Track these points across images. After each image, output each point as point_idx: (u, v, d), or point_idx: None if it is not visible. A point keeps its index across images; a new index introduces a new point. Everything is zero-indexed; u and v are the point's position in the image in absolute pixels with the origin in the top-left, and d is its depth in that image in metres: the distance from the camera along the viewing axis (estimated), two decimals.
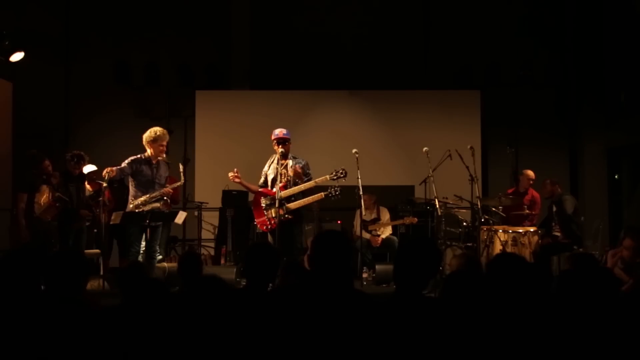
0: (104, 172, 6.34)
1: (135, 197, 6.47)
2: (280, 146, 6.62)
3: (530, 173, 8.44)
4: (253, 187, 6.90)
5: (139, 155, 6.56)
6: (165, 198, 6.60)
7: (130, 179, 6.55)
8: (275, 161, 6.69)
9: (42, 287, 3.16)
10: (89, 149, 7.73)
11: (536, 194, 8.34)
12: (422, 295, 2.86)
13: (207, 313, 2.39)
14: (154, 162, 6.56)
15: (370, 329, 2.67)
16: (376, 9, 10.68)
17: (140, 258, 6.48)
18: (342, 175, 6.50)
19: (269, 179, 6.67)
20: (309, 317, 2.70)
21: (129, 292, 3.09)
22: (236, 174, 6.67)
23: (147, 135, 6.55)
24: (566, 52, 10.59)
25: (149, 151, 6.56)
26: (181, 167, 6.82)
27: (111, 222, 6.97)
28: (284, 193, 6.49)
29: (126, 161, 6.49)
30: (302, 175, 6.51)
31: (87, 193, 7.68)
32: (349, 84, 10.43)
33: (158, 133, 6.53)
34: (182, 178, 6.79)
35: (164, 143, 6.60)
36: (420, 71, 10.61)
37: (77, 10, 10.55)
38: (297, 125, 8.85)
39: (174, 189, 6.88)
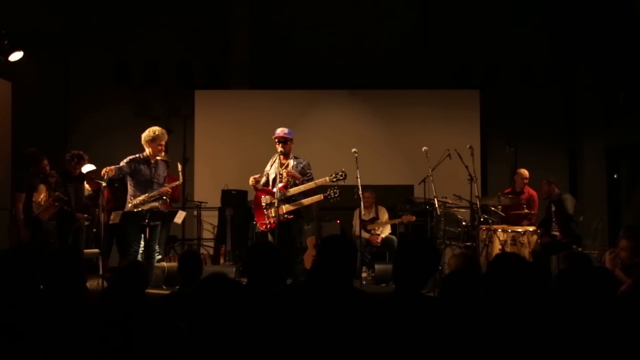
0: (103, 171, 6.34)
1: (134, 197, 6.47)
2: (280, 145, 6.63)
3: (524, 172, 8.44)
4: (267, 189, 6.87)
5: (137, 155, 6.56)
6: (164, 197, 6.60)
7: (128, 179, 6.56)
8: (277, 161, 6.70)
9: (41, 286, 3.16)
10: (88, 149, 7.73)
11: (533, 192, 8.34)
12: (421, 294, 2.86)
13: (214, 311, 2.38)
14: (152, 161, 6.57)
15: (370, 327, 2.67)
16: (376, 9, 10.68)
17: (139, 258, 6.48)
18: (341, 178, 6.49)
19: (270, 178, 6.68)
20: (309, 316, 2.69)
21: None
22: (255, 181, 6.67)
23: (146, 134, 6.56)
24: (565, 52, 10.59)
25: (147, 150, 6.56)
26: (179, 166, 6.84)
27: (110, 222, 6.98)
28: (285, 193, 6.50)
29: (124, 160, 6.50)
30: (297, 176, 6.52)
31: (87, 192, 7.68)
32: (349, 83, 10.43)
33: (157, 132, 6.54)
34: (181, 177, 6.80)
35: (163, 142, 6.61)
36: (419, 71, 10.61)
37: (76, 10, 10.55)
38: (296, 125, 8.81)
39: (174, 187, 6.89)
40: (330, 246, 2.94)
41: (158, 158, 6.64)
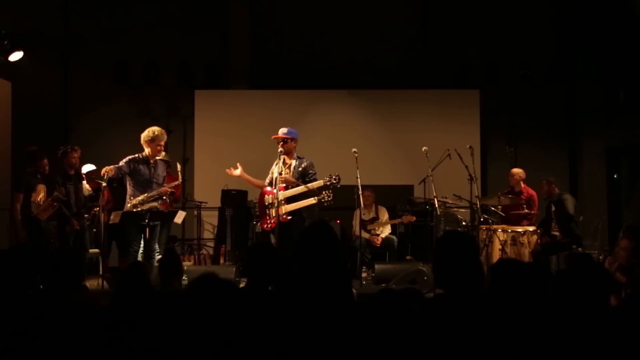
0: (103, 171, 6.35)
1: (133, 197, 6.47)
2: (280, 145, 6.65)
3: (516, 171, 8.41)
4: (256, 181, 6.91)
5: (136, 155, 6.56)
6: (164, 197, 6.60)
7: (127, 178, 6.56)
8: (282, 161, 6.71)
9: (41, 286, 3.16)
10: (88, 148, 7.74)
11: (532, 192, 8.32)
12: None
13: (205, 312, 2.39)
14: (151, 161, 6.57)
15: (367, 330, 2.66)
16: (375, 9, 10.67)
17: (139, 258, 6.48)
18: (335, 182, 6.44)
19: (273, 178, 6.69)
20: (307, 318, 2.68)
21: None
22: (232, 170, 6.74)
23: (145, 134, 6.56)
24: (565, 51, 10.59)
25: (146, 150, 6.56)
26: (179, 166, 6.84)
27: (110, 222, 6.98)
28: (285, 194, 6.50)
29: (124, 160, 6.50)
30: (290, 181, 6.53)
31: (87, 192, 7.68)
32: (348, 83, 10.43)
33: (156, 133, 6.54)
34: (180, 177, 6.80)
35: (162, 143, 6.60)
36: (419, 70, 10.60)
37: (76, 10, 10.55)
38: (296, 125, 8.74)
39: (175, 187, 6.88)
40: (308, 235, 2.90)
41: (158, 158, 6.64)
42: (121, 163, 6.48)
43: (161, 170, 6.68)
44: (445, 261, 2.73)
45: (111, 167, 6.34)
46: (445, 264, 2.72)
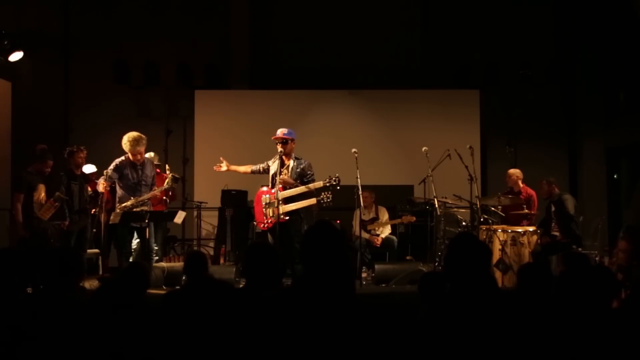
0: (101, 183, 6.37)
1: (124, 199, 6.48)
2: (280, 146, 6.65)
3: (514, 171, 8.40)
4: (243, 168, 6.97)
5: (122, 158, 6.56)
6: (164, 197, 6.62)
7: (117, 181, 6.58)
8: (279, 161, 6.72)
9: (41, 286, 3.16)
10: (88, 148, 7.72)
11: (532, 192, 8.31)
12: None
13: (201, 312, 2.39)
14: (138, 163, 6.56)
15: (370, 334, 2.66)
16: (375, 9, 10.68)
17: (131, 258, 6.51)
18: (335, 183, 6.44)
19: (270, 173, 6.70)
20: (307, 320, 2.67)
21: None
22: (219, 166, 6.88)
23: (123, 142, 6.55)
24: (565, 51, 10.59)
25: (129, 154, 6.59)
26: (168, 171, 6.86)
27: (110, 222, 6.98)
28: (283, 194, 6.50)
29: (111, 167, 6.53)
30: (289, 182, 6.53)
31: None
32: (348, 83, 10.43)
33: (132, 143, 6.49)
34: (170, 181, 6.77)
35: (141, 150, 6.58)
36: (419, 70, 10.61)
37: (76, 10, 10.55)
38: (296, 125, 8.76)
39: (172, 188, 6.89)
40: (313, 234, 2.90)
41: (147, 155, 6.68)
42: (109, 171, 6.51)
43: (149, 171, 6.68)
44: (457, 262, 2.78)
45: (104, 179, 6.37)
46: (458, 265, 2.77)
